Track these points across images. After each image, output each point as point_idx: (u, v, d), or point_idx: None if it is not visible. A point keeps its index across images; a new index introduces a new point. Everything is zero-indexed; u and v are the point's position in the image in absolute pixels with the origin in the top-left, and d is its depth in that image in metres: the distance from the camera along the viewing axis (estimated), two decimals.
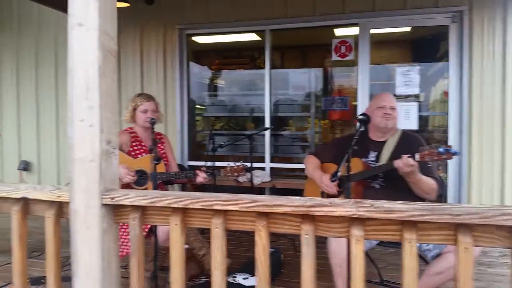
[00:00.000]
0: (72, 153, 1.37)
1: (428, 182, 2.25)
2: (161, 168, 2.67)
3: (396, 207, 1.18)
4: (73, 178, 1.37)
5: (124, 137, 2.74)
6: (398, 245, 2.21)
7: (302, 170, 2.74)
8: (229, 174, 2.59)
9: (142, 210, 1.40)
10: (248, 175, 4.05)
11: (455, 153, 2.09)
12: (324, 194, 2.61)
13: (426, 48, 4.79)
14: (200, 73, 5.80)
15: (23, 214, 1.54)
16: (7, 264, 3.06)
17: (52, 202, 1.48)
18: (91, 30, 1.33)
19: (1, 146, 5.44)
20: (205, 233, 3.61)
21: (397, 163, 2.18)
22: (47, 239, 1.50)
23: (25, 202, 1.53)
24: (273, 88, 4.81)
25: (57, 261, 1.52)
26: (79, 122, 1.36)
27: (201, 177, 2.61)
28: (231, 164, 2.63)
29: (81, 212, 1.36)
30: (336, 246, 2.12)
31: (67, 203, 1.41)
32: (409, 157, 2.13)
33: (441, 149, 2.06)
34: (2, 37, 5.43)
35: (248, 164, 4.29)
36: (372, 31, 4.33)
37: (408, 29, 4.57)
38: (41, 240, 3.41)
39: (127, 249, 2.49)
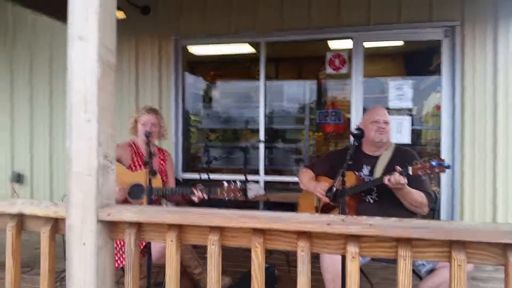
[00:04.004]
0: (69, 167, 1.36)
1: (417, 196, 2.26)
2: (157, 183, 2.66)
3: (391, 224, 1.19)
4: (69, 192, 1.36)
5: (125, 151, 2.74)
6: (391, 259, 2.20)
7: (296, 183, 2.75)
8: (225, 193, 2.55)
9: (138, 226, 1.40)
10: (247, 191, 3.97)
11: (447, 167, 2.12)
12: (319, 202, 2.62)
13: (419, 62, 4.85)
14: (195, 84, 5.82)
15: (18, 230, 1.52)
16: None
17: (47, 218, 1.47)
18: (91, 43, 1.34)
19: None
20: (197, 247, 3.55)
21: (386, 179, 2.19)
22: (42, 255, 1.48)
23: (20, 218, 1.52)
24: (267, 100, 4.83)
25: (52, 278, 1.50)
26: (76, 135, 1.36)
27: (196, 197, 2.58)
28: (227, 183, 2.58)
29: (77, 228, 1.35)
30: (329, 262, 2.12)
31: (63, 219, 1.40)
32: (401, 173, 2.14)
33: (433, 163, 2.10)
34: None
35: (248, 187, 4.23)
36: (366, 44, 4.38)
37: (401, 43, 4.63)
38: (31, 255, 3.36)
39: (121, 261, 2.46)
